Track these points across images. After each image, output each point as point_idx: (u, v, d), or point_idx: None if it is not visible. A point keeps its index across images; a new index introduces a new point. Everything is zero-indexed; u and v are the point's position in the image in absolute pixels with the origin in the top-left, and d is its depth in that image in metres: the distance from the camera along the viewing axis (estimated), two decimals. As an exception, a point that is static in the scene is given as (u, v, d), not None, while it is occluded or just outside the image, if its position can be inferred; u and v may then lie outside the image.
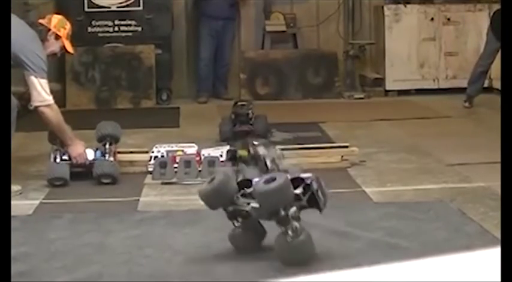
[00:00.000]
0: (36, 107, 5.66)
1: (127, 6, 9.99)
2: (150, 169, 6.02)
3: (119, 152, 6.27)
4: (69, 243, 4.51)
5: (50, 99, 5.70)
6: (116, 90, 9.84)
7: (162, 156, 6.07)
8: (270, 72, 10.28)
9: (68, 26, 6.04)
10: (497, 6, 9.14)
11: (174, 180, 5.89)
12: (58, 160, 5.90)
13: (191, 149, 6.20)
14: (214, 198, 4.19)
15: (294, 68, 10.25)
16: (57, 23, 5.96)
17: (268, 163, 4.33)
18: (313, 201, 4.22)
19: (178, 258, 4.23)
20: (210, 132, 7.56)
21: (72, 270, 4.07)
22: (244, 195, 4.24)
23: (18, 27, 5.59)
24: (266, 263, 4.11)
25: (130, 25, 10.03)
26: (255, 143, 4.81)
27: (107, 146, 6.00)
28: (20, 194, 5.60)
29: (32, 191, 5.73)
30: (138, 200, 5.50)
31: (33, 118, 5.90)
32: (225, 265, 4.12)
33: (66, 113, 7.85)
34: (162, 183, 5.87)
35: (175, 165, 5.94)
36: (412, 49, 10.37)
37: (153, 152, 6.19)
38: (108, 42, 9.96)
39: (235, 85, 10.39)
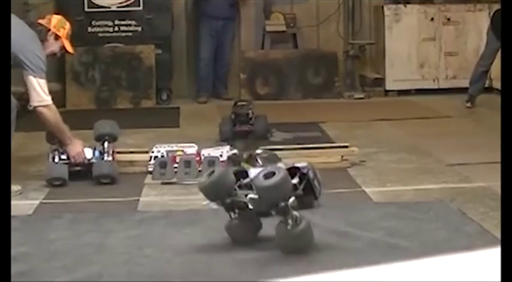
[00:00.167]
0: (35, 107, 5.66)
1: (127, 6, 9.99)
2: (150, 169, 6.02)
3: (119, 152, 6.27)
4: (69, 243, 4.51)
5: (48, 99, 5.70)
6: (116, 90, 9.84)
7: (162, 156, 6.07)
8: (270, 72, 10.28)
9: (68, 26, 6.04)
10: (497, 6, 9.14)
11: (174, 180, 5.89)
12: (57, 160, 5.90)
13: (191, 149, 6.20)
14: (214, 190, 4.27)
15: (294, 68, 10.25)
16: (57, 23, 5.96)
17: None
18: (309, 190, 4.41)
19: (178, 258, 4.23)
20: (210, 132, 7.56)
21: (72, 270, 4.07)
22: (241, 187, 4.34)
23: (18, 27, 5.59)
24: (266, 263, 4.11)
25: (130, 25, 10.03)
26: (259, 154, 4.88)
27: (105, 145, 6.01)
28: (20, 194, 5.60)
29: (32, 191, 5.73)
30: (138, 200, 5.50)
31: (33, 118, 5.90)
32: (225, 265, 4.12)
33: (66, 113, 7.86)
34: (162, 183, 5.87)
35: (175, 165, 5.94)
36: (412, 49, 10.37)
37: (153, 152, 6.19)
38: (108, 42, 9.96)
39: (235, 85, 10.39)
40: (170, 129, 8.15)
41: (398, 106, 9.57)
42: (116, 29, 10.02)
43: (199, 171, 5.90)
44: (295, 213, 4.15)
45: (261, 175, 4.15)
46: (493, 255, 2.09)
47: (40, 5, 9.65)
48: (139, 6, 9.99)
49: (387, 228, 4.64)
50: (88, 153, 5.97)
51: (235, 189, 4.33)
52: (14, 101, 5.58)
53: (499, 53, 8.47)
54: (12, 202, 4.78)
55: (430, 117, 8.75)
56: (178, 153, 6.12)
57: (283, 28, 10.62)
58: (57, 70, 9.62)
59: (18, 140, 6.24)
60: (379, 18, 10.56)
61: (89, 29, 9.96)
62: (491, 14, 9.38)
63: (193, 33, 10.62)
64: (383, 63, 10.42)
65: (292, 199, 4.14)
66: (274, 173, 4.11)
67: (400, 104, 9.77)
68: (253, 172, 4.48)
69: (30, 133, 6.85)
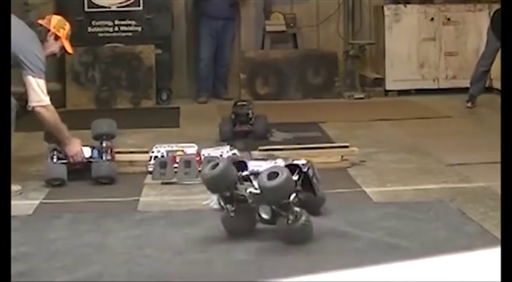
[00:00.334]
0: (33, 107, 5.65)
1: (127, 6, 9.99)
2: (150, 169, 6.02)
3: (119, 152, 6.28)
4: (69, 243, 4.51)
5: (46, 99, 5.69)
6: (116, 90, 9.84)
7: (162, 156, 6.07)
8: (270, 72, 10.28)
9: (68, 26, 6.04)
10: (497, 6, 9.13)
11: (174, 180, 5.89)
12: (55, 160, 5.91)
13: (191, 149, 6.20)
14: (216, 183, 4.38)
15: (294, 68, 10.25)
16: (57, 24, 5.96)
17: None
18: (307, 186, 4.49)
19: (178, 258, 4.23)
20: (210, 132, 7.56)
21: (72, 270, 4.06)
22: (239, 179, 4.46)
23: (17, 27, 5.59)
24: (266, 263, 4.11)
25: (130, 25, 10.03)
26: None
27: (104, 144, 6.01)
28: (20, 194, 5.60)
29: (32, 191, 5.73)
30: (138, 200, 5.50)
31: (33, 118, 5.89)
32: (225, 265, 4.12)
33: (66, 113, 7.87)
34: (162, 183, 5.87)
35: (175, 165, 5.94)
36: (412, 49, 10.37)
37: (153, 152, 6.18)
38: (108, 42, 9.96)
39: (235, 85, 10.39)
40: (170, 129, 8.15)
41: (398, 106, 9.57)
42: (116, 29, 10.02)
43: (199, 171, 5.89)
44: (296, 209, 4.29)
45: (264, 175, 4.24)
46: (493, 255, 2.09)
47: (40, 5, 9.65)
48: (139, 6, 9.98)
49: (387, 228, 4.64)
50: (86, 152, 5.98)
51: (236, 183, 4.43)
52: (13, 101, 5.58)
53: (500, 53, 8.47)
54: (12, 202, 4.78)
55: (430, 117, 8.75)
56: (178, 153, 6.12)
57: (283, 28, 10.62)
58: (57, 70, 9.62)
59: (18, 140, 6.24)
60: (379, 18, 10.56)
61: (89, 29, 9.96)
62: (491, 13, 9.38)
63: (193, 33, 10.62)
64: (383, 63, 10.42)
65: (293, 196, 4.28)
66: (277, 173, 4.21)
67: (400, 104, 9.77)
68: (252, 165, 4.57)
69: (29, 133, 6.85)
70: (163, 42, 10.07)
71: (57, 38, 5.93)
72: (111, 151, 6.04)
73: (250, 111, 7.54)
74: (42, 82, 5.64)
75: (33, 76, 5.59)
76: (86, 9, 9.92)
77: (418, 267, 1.99)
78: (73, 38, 6.18)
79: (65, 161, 5.92)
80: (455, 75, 10.39)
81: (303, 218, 4.31)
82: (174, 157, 6.02)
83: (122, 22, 10.02)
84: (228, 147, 6.25)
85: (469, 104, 9.20)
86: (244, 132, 7.41)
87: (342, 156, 6.35)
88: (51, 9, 9.45)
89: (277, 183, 4.17)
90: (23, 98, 5.80)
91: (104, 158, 5.96)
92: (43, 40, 5.83)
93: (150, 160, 6.11)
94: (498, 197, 5.03)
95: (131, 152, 6.46)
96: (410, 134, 7.69)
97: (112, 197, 5.53)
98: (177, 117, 9.00)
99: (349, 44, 10.73)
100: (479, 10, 10.35)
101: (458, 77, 10.28)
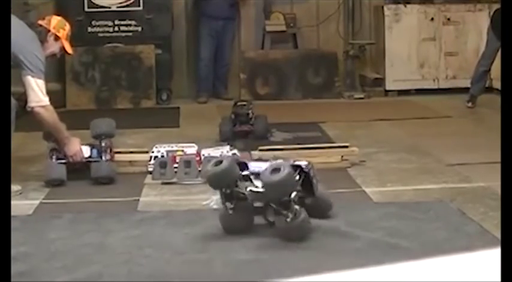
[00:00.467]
0: (32, 108, 5.65)
1: (127, 6, 9.99)
2: (150, 169, 6.02)
3: (119, 152, 6.28)
4: (69, 243, 4.51)
5: (46, 100, 5.69)
6: (116, 90, 9.84)
7: (162, 156, 6.07)
8: (270, 72, 10.28)
9: (68, 27, 6.04)
10: (497, 6, 9.13)
11: (174, 180, 5.89)
12: (54, 161, 5.91)
13: (191, 149, 6.20)
14: (220, 179, 4.47)
15: (294, 68, 10.25)
16: (57, 24, 5.96)
17: None
18: (308, 187, 4.52)
19: (178, 258, 4.23)
20: (210, 132, 7.56)
21: (72, 270, 4.06)
22: (241, 179, 4.53)
23: (17, 27, 5.59)
24: (267, 263, 4.11)
25: (130, 25, 10.03)
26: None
27: (103, 143, 6.01)
28: (20, 194, 5.60)
29: (32, 191, 5.73)
30: (138, 200, 5.50)
31: (32, 118, 5.89)
32: (225, 265, 4.12)
33: (66, 113, 7.87)
34: (162, 183, 5.87)
35: (175, 165, 5.94)
36: (412, 49, 10.37)
37: (153, 152, 6.18)
38: (108, 42, 9.96)
39: (235, 85, 10.39)
40: (170, 129, 8.15)
41: (398, 106, 9.57)
42: (116, 29, 10.02)
43: (199, 171, 5.90)
44: (296, 207, 4.34)
45: (268, 171, 4.30)
46: (493, 255, 2.09)
47: (40, 5, 9.64)
48: (139, 6, 9.98)
49: (387, 228, 4.64)
50: (86, 151, 5.98)
51: (237, 181, 4.50)
52: (13, 101, 5.58)
53: (500, 53, 8.47)
54: (12, 202, 4.78)
55: (430, 117, 8.75)
56: (178, 153, 6.12)
57: (283, 28, 10.62)
58: (57, 70, 9.62)
59: (18, 140, 6.25)
60: (379, 18, 10.56)
61: (89, 29, 9.96)
62: (491, 13, 9.37)
63: (193, 33, 10.62)
64: (383, 63, 10.42)
65: (294, 194, 4.34)
66: (279, 169, 4.28)
67: (400, 104, 9.77)
68: (253, 165, 4.62)
69: (29, 133, 6.85)
70: (163, 42, 10.07)
71: (57, 38, 5.93)
72: (110, 150, 6.05)
73: (250, 111, 7.54)
74: (41, 82, 5.64)
75: (33, 76, 5.59)
76: (86, 9, 9.92)
77: (418, 267, 1.99)
78: (73, 38, 6.18)
79: (64, 161, 5.92)
80: (455, 75, 10.39)
81: (302, 216, 4.35)
82: (174, 157, 6.02)
83: (122, 22, 10.02)
84: (228, 147, 6.25)
85: (470, 104, 9.20)
86: (244, 132, 7.42)
87: (342, 156, 6.35)
88: (51, 9, 9.45)
89: (281, 177, 4.22)
90: (23, 98, 5.80)
91: (103, 157, 5.97)
92: (43, 41, 5.83)
93: (150, 160, 6.11)
94: (498, 197, 5.04)
95: (131, 152, 6.46)
96: (410, 134, 7.70)
97: (112, 197, 5.54)
98: (177, 117, 9.00)
99: (349, 44, 10.73)
100: (479, 10, 10.35)
101: (458, 77, 10.28)
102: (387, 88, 10.37)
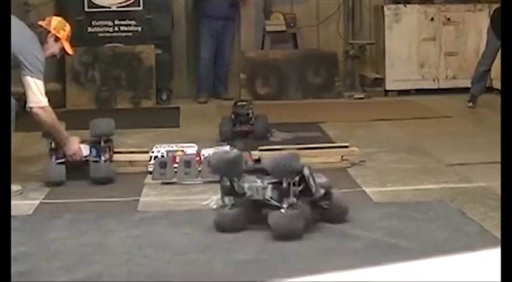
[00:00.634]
0: (31, 108, 5.65)
1: (127, 6, 9.99)
2: (150, 169, 6.02)
3: (119, 152, 6.28)
4: (69, 243, 4.51)
5: (44, 101, 5.68)
6: (116, 90, 9.84)
7: (162, 156, 6.07)
8: (270, 72, 10.28)
9: (68, 27, 6.03)
10: (497, 6, 9.12)
11: (174, 180, 5.89)
12: (54, 162, 5.91)
13: (191, 149, 6.20)
14: (227, 167, 4.59)
15: (294, 68, 10.25)
16: (57, 25, 5.95)
17: None
18: (306, 188, 4.53)
19: (178, 258, 4.23)
20: (210, 132, 7.56)
21: (72, 270, 4.07)
22: (245, 173, 4.65)
23: (17, 28, 5.58)
24: (267, 263, 4.11)
25: (130, 25, 10.03)
26: None
27: (102, 143, 6.01)
28: (20, 194, 5.60)
29: (32, 191, 5.73)
30: (138, 200, 5.50)
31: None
32: (225, 265, 4.12)
33: (66, 113, 7.87)
34: (162, 183, 5.87)
35: (175, 165, 5.94)
36: (412, 49, 10.37)
37: (153, 152, 6.19)
38: (108, 42, 9.96)
39: (235, 85, 10.39)
40: (170, 129, 8.15)
41: (398, 106, 9.57)
42: (116, 29, 10.02)
43: (199, 171, 5.90)
44: (293, 199, 4.40)
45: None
46: (493, 255, 2.09)
47: (40, 5, 9.64)
48: (139, 6, 9.98)
49: (387, 228, 4.64)
50: (85, 149, 5.98)
51: (241, 175, 4.62)
52: (13, 101, 5.58)
53: (500, 53, 8.46)
54: (12, 202, 4.78)
55: (430, 117, 8.75)
56: (178, 153, 6.12)
57: (283, 28, 10.62)
58: (57, 70, 9.62)
59: (18, 140, 6.24)
60: (379, 18, 10.56)
61: (89, 29, 9.96)
62: (491, 12, 9.37)
63: (193, 33, 10.62)
64: (383, 63, 10.42)
65: (295, 178, 4.43)
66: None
67: (400, 104, 9.77)
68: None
69: (29, 133, 6.84)
70: (163, 42, 10.07)
71: (57, 39, 5.93)
72: (109, 150, 6.05)
73: (250, 111, 7.54)
74: (40, 83, 5.63)
75: (32, 77, 5.58)
76: (86, 9, 9.92)
77: (418, 267, 1.99)
78: (73, 38, 6.17)
79: (63, 160, 5.92)
80: (455, 75, 10.39)
81: (297, 211, 4.37)
82: (174, 157, 6.02)
83: (122, 22, 10.02)
84: (228, 147, 6.25)
85: (471, 104, 9.20)
86: (244, 132, 7.42)
87: (342, 156, 6.35)
88: (51, 9, 9.45)
89: (284, 156, 4.46)
90: (22, 98, 5.79)
91: (101, 157, 5.96)
92: (43, 41, 5.82)
93: (150, 160, 6.11)
94: (498, 197, 5.04)
95: (131, 152, 6.46)
96: (410, 134, 7.70)
97: (112, 197, 5.53)
98: (177, 117, 9.00)
99: (349, 44, 10.73)
100: (479, 10, 10.35)
101: (458, 77, 10.28)
102: (387, 88, 10.37)
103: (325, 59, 10.41)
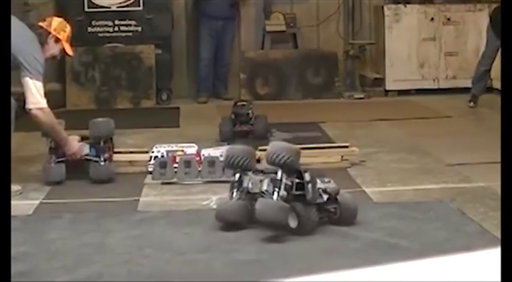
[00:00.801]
0: (29, 109, 5.65)
1: (127, 6, 9.99)
2: (150, 169, 6.02)
3: (119, 152, 6.28)
4: (69, 243, 4.51)
5: (43, 102, 5.68)
6: (116, 90, 9.84)
7: (162, 156, 6.07)
8: (270, 72, 10.28)
9: (68, 28, 6.02)
10: (496, 5, 9.12)
11: (174, 180, 5.89)
12: (53, 162, 5.91)
13: (191, 149, 6.20)
14: (241, 154, 4.70)
15: (294, 68, 10.26)
16: (57, 26, 5.95)
17: None
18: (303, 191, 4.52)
19: (178, 258, 4.23)
20: (210, 132, 7.56)
21: (72, 270, 4.07)
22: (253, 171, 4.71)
23: (17, 29, 5.58)
24: (267, 263, 4.11)
25: (130, 25, 10.03)
26: None
27: (101, 143, 6.01)
28: (20, 194, 5.60)
29: (32, 191, 5.73)
30: (138, 200, 5.50)
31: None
32: (225, 265, 4.12)
33: (66, 113, 7.87)
34: (162, 183, 5.87)
35: (175, 165, 5.94)
36: (412, 49, 10.37)
37: (153, 152, 6.19)
38: (108, 42, 9.96)
39: (235, 85, 10.39)
40: (170, 129, 8.16)
41: (398, 106, 9.57)
42: (116, 29, 10.02)
43: (199, 171, 5.90)
44: (284, 192, 4.40)
45: None
46: (493, 255, 2.09)
47: (40, 5, 9.63)
48: (139, 6, 9.99)
49: (387, 228, 4.64)
50: (85, 148, 5.98)
51: (251, 170, 4.69)
52: (13, 101, 5.58)
53: (500, 52, 8.46)
54: (12, 202, 4.78)
55: (430, 117, 8.75)
56: (178, 153, 6.12)
57: (283, 28, 10.62)
58: (57, 70, 9.62)
59: (18, 140, 6.24)
60: (379, 18, 10.56)
61: (89, 29, 9.96)
62: (491, 11, 9.36)
63: (193, 33, 10.62)
64: (383, 63, 10.42)
65: (292, 161, 4.45)
66: None
67: (400, 104, 9.77)
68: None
69: (29, 133, 6.83)
70: (163, 42, 10.07)
71: (57, 40, 5.92)
72: (109, 150, 6.05)
73: (250, 111, 7.54)
74: (39, 84, 5.62)
75: (31, 78, 5.57)
76: (86, 9, 9.92)
77: (418, 267, 1.99)
78: (73, 38, 6.17)
79: (63, 159, 5.92)
80: (455, 75, 10.39)
81: (288, 205, 4.36)
82: (174, 157, 6.02)
83: (122, 22, 10.02)
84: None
85: (471, 104, 9.20)
86: (244, 132, 7.42)
87: (342, 156, 6.36)
88: (51, 9, 9.45)
89: (282, 147, 4.49)
90: (22, 98, 5.79)
91: (101, 157, 5.96)
92: (43, 43, 5.82)
93: (150, 160, 6.11)
94: (498, 197, 5.04)
95: (131, 152, 6.46)
96: (410, 134, 7.70)
97: (112, 197, 5.53)
98: (177, 117, 9.00)
99: (349, 44, 10.74)
100: (479, 10, 10.35)
101: (458, 77, 10.29)
102: (387, 88, 10.38)
103: (325, 59, 10.41)
